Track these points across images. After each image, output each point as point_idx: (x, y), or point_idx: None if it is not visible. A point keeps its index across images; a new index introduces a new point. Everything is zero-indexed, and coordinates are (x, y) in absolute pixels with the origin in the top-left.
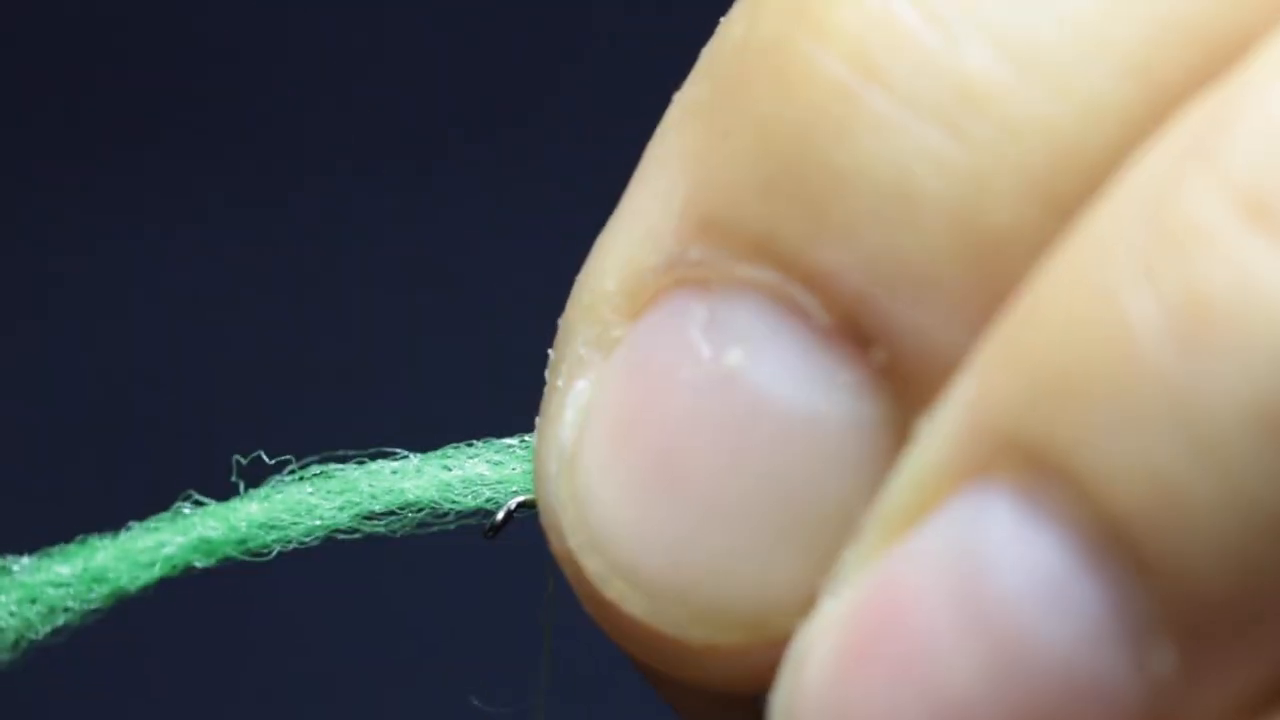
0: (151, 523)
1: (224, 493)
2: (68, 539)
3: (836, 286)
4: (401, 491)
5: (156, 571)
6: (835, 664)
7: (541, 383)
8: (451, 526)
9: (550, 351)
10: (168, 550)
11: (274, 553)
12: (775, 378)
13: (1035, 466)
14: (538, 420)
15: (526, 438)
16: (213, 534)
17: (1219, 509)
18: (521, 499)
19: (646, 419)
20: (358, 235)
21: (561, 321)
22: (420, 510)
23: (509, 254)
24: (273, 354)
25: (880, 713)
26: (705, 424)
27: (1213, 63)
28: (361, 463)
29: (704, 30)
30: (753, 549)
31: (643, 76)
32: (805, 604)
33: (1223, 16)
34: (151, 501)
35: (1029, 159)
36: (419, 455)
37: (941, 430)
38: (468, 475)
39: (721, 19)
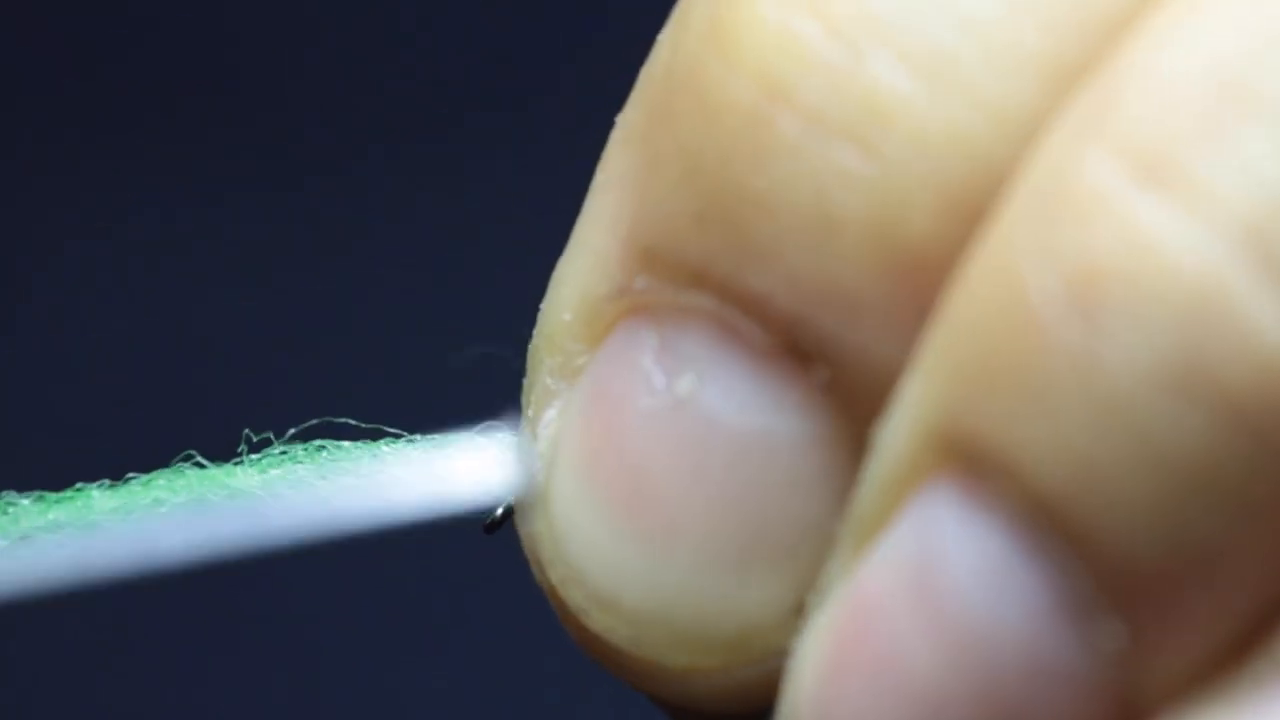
0: (152, 476)
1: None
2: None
3: (770, 309)
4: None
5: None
6: (821, 676)
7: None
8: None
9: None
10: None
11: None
12: (725, 402)
13: (972, 460)
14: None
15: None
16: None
17: (1137, 477)
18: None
19: (610, 449)
20: (360, 220)
21: (529, 351)
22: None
23: (519, 239)
24: (274, 336)
25: (862, 711)
26: (665, 451)
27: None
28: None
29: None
30: (723, 570)
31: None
32: (783, 622)
33: (1119, 5)
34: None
35: (941, 170)
36: (416, 436)
37: (893, 438)
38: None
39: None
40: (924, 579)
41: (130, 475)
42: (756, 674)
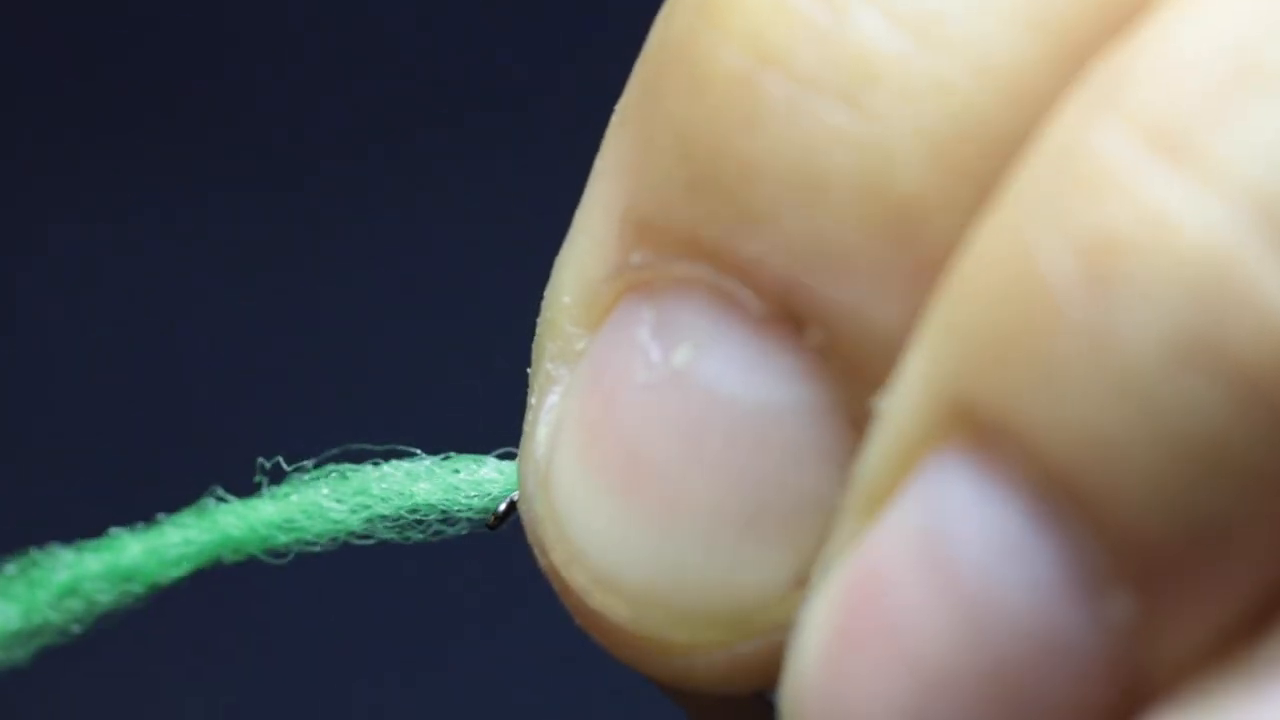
0: (179, 517)
1: (246, 492)
2: (93, 532)
3: (763, 274)
4: (412, 495)
5: (185, 567)
6: (827, 648)
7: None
8: (464, 530)
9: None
10: (193, 548)
11: (291, 554)
12: (722, 372)
13: (983, 431)
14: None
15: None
16: (235, 531)
17: (1150, 449)
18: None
19: (608, 426)
20: (372, 231)
21: (534, 341)
22: (429, 514)
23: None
24: (289, 355)
25: (872, 690)
26: (663, 425)
27: (1119, 14)
28: (377, 463)
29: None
30: (723, 545)
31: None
32: (784, 596)
33: None
34: (175, 498)
35: (930, 124)
36: (430, 458)
37: (899, 405)
38: (477, 478)
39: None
40: (934, 549)
41: (157, 516)
42: (758, 650)
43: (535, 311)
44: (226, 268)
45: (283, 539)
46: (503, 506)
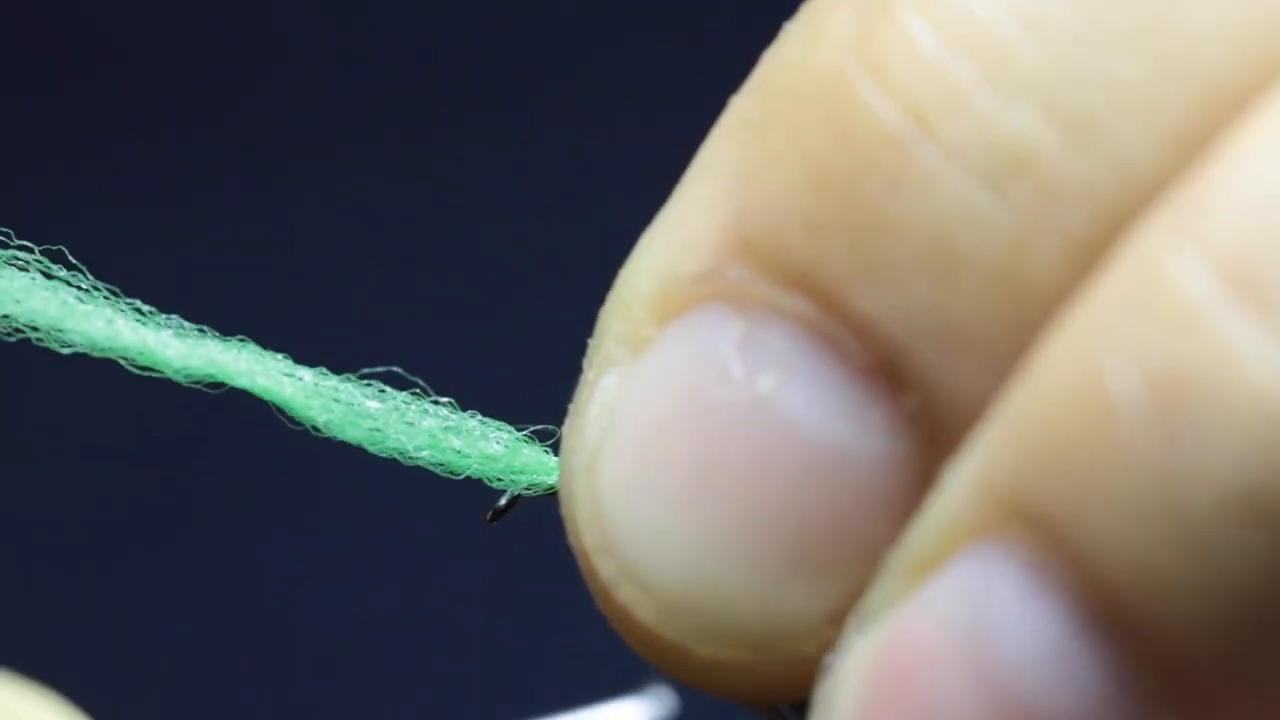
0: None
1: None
2: None
3: (876, 331)
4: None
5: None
6: (856, 711)
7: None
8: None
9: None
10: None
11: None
12: (807, 408)
13: (1037, 533)
14: (570, 406)
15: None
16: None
17: (1202, 590)
18: (527, 487)
19: (673, 431)
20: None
21: (601, 313)
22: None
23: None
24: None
25: None
26: (733, 445)
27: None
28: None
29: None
30: (768, 573)
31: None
32: (815, 629)
33: (1256, 80)
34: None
35: (1070, 222)
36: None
37: (959, 483)
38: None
39: (783, 28)
40: (975, 642)
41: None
42: (778, 673)
43: (534, 312)
44: (226, 266)
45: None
46: (503, 501)
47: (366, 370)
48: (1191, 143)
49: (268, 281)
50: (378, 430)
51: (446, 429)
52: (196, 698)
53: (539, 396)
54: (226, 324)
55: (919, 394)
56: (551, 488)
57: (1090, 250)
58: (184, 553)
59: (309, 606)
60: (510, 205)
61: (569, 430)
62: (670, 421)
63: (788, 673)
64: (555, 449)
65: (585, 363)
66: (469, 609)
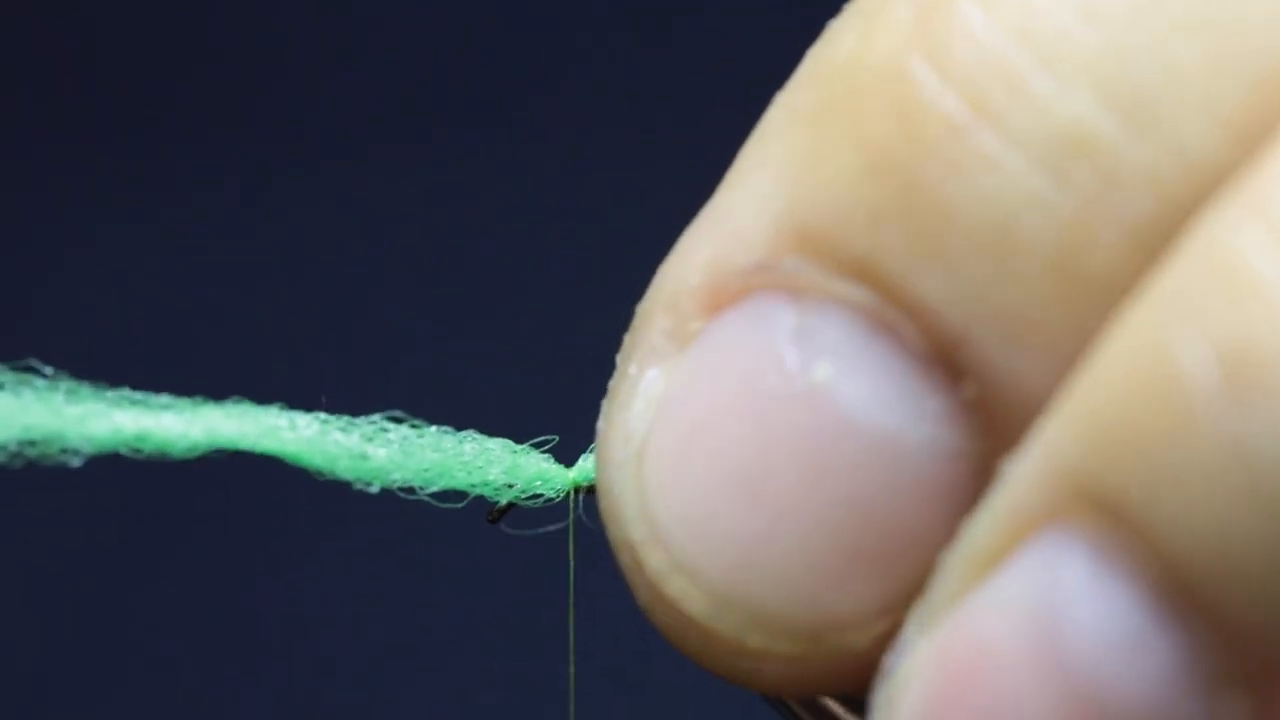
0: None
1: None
2: None
3: (934, 319)
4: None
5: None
6: (924, 712)
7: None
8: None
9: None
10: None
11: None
12: (863, 397)
13: (1106, 517)
14: (603, 403)
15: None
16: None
17: (1276, 563)
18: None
19: (725, 421)
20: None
21: (639, 309)
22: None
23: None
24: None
25: None
26: (787, 436)
27: None
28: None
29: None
30: (823, 563)
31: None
32: (869, 623)
33: None
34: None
35: (1130, 208)
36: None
37: (1023, 472)
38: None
39: (830, 23)
40: (1045, 631)
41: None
42: (827, 666)
43: (533, 312)
44: (231, 267)
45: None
46: (504, 502)
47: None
48: (1251, 129)
49: (266, 282)
50: (382, 469)
51: (449, 461)
52: (197, 698)
53: (539, 396)
54: (224, 328)
55: (977, 382)
56: (550, 497)
57: (1150, 236)
58: (184, 555)
59: (308, 606)
60: (510, 206)
61: (608, 425)
62: (722, 411)
63: (837, 665)
64: (554, 455)
65: (622, 358)
66: (469, 607)
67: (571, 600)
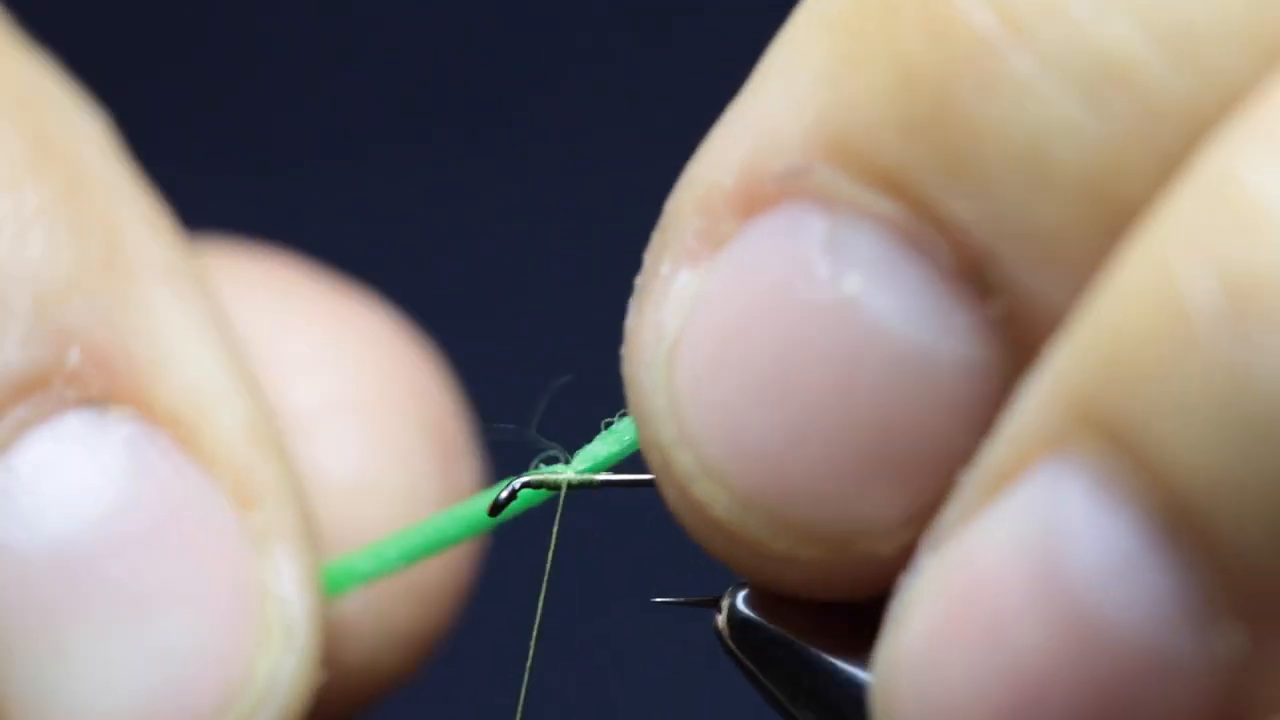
0: None
1: None
2: None
3: (966, 235)
4: None
5: None
6: (926, 633)
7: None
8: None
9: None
10: None
11: None
12: (893, 309)
13: (1108, 443)
14: (632, 301)
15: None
16: None
17: (1275, 491)
18: (525, 479)
19: (756, 326)
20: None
21: (669, 207)
22: None
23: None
24: None
25: (964, 684)
26: (817, 344)
27: None
28: None
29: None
30: (848, 472)
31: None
32: (892, 530)
33: None
34: None
35: (1163, 136)
36: None
37: (1032, 396)
38: None
39: None
40: (1043, 556)
41: None
42: (851, 570)
43: (535, 312)
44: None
45: None
46: (504, 494)
47: None
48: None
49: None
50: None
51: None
52: None
53: (538, 395)
54: None
55: (1005, 300)
56: (554, 487)
57: (1183, 161)
58: None
59: None
60: (510, 206)
61: (638, 324)
62: (753, 316)
63: (861, 570)
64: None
65: (650, 256)
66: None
67: (544, 594)
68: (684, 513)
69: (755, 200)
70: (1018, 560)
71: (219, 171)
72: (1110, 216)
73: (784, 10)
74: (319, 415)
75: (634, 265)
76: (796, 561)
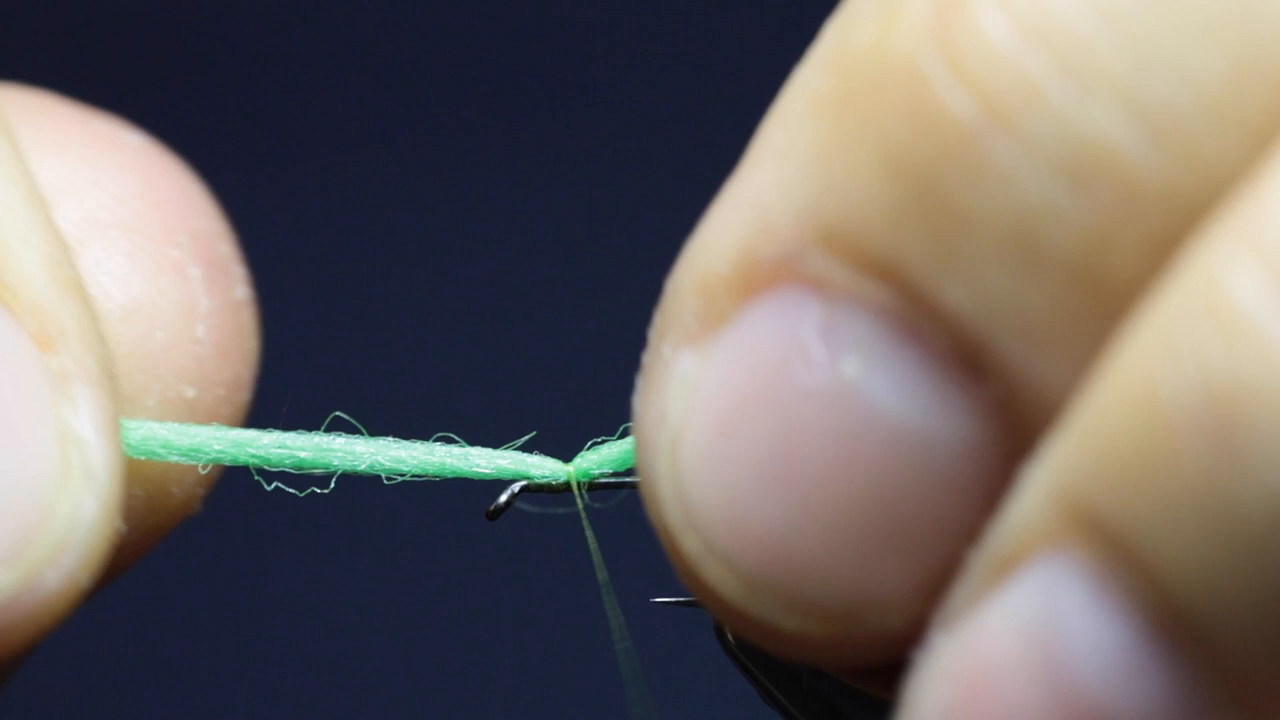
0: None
1: None
2: None
3: (959, 320)
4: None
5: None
6: (937, 718)
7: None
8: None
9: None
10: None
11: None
12: (890, 392)
13: (1103, 543)
14: (638, 379)
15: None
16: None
17: (1264, 599)
18: (524, 484)
19: (756, 411)
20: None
21: (669, 288)
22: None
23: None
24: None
25: None
26: (817, 428)
27: None
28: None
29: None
30: (852, 552)
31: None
32: (901, 604)
33: None
34: None
35: (1150, 221)
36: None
37: (1032, 487)
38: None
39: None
40: (1044, 653)
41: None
42: (864, 645)
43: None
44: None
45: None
46: (504, 498)
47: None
48: (1272, 142)
49: (266, 281)
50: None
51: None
52: (197, 697)
53: (539, 394)
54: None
55: (1000, 383)
56: (552, 485)
57: (1170, 247)
58: (183, 554)
59: (307, 606)
60: (509, 206)
61: (644, 405)
62: (753, 402)
63: (875, 644)
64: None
65: (654, 335)
66: (467, 606)
67: (606, 585)
68: (697, 595)
69: (751, 283)
70: (1022, 652)
71: (219, 171)
72: (1101, 299)
73: (783, 10)
74: (81, 239)
75: (641, 268)
76: (808, 639)
